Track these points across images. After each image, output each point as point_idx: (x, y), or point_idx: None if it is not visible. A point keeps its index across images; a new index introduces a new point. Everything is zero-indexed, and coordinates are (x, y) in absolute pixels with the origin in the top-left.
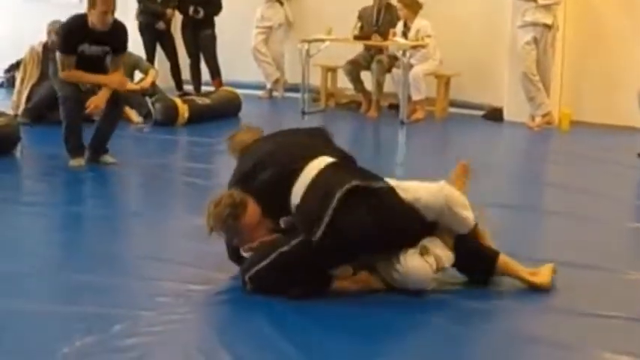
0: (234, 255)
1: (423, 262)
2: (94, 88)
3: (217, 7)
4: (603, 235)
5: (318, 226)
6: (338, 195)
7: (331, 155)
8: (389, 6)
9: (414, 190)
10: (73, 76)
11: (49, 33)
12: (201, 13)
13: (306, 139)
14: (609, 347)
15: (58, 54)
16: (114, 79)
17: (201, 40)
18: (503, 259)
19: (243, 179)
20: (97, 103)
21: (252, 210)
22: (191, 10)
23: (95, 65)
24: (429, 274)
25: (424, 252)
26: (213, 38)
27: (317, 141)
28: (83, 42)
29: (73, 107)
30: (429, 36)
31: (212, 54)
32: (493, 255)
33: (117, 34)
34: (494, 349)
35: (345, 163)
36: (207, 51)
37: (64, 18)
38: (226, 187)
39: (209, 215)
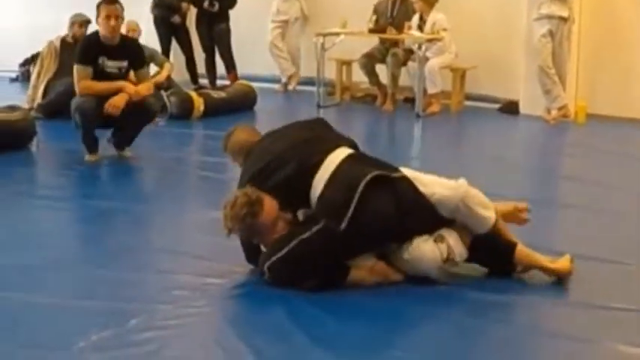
0: (253, 256)
1: (434, 248)
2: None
3: (232, 1)
4: (619, 228)
5: (344, 214)
6: (362, 185)
7: (346, 146)
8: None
9: (430, 184)
10: (89, 87)
11: (71, 25)
12: (217, 7)
13: (319, 132)
14: (624, 340)
15: (75, 67)
16: (129, 85)
17: (216, 34)
18: (522, 249)
19: (257, 177)
20: (115, 103)
21: (269, 206)
22: (206, 3)
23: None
24: (436, 261)
25: (438, 239)
26: (228, 32)
27: (328, 133)
28: (99, 55)
29: (88, 116)
30: (444, 29)
31: (227, 47)
32: (511, 246)
33: (130, 48)
34: (510, 341)
35: (362, 154)
36: (222, 44)
37: (80, 10)
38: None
39: (226, 217)
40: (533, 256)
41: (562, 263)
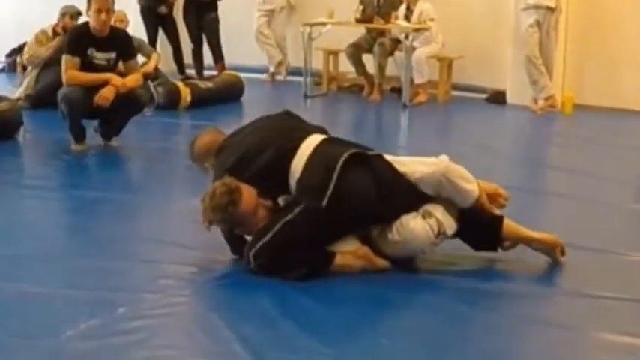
0: (237, 248)
1: (424, 224)
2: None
3: None
4: (606, 217)
5: (324, 193)
6: (340, 163)
7: (319, 133)
8: None
9: (410, 163)
10: (76, 77)
11: (62, 15)
12: (212, 15)
13: (290, 122)
14: (613, 329)
15: (63, 57)
16: (116, 77)
17: (206, 24)
18: (508, 222)
19: (234, 169)
20: (105, 95)
21: (248, 194)
22: None
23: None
24: (429, 237)
25: (426, 215)
26: (217, 21)
27: (299, 122)
28: (89, 46)
29: (74, 106)
30: (431, 19)
31: (216, 37)
32: (498, 219)
33: (119, 39)
34: (498, 329)
35: (336, 138)
36: (211, 34)
37: (68, 2)
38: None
39: (206, 209)
40: (519, 229)
41: (549, 235)
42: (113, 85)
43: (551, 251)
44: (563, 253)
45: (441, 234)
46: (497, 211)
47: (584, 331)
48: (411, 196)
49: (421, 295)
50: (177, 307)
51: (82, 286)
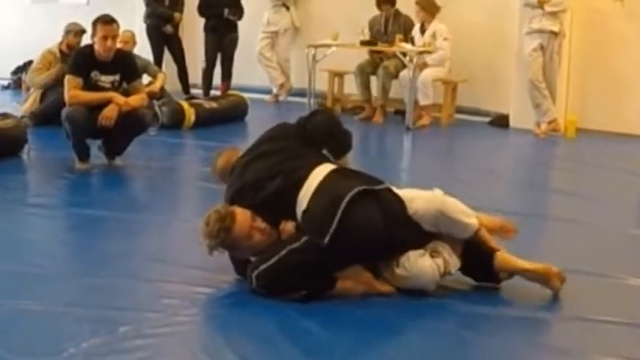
0: (242, 269)
1: (432, 263)
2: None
3: (242, 11)
4: (607, 242)
5: (327, 229)
6: (346, 200)
7: (328, 161)
8: (397, 14)
9: (407, 200)
10: (78, 97)
11: (66, 33)
12: (237, 15)
13: (297, 146)
14: (613, 353)
15: (66, 77)
16: (118, 95)
17: (228, 42)
18: (501, 255)
19: (241, 194)
20: (107, 114)
21: (241, 218)
22: (226, 12)
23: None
24: (435, 276)
25: (434, 254)
26: (236, 41)
27: (305, 145)
28: (92, 69)
29: (78, 126)
30: (445, 39)
31: (231, 56)
32: (490, 253)
33: (123, 61)
34: (500, 354)
35: (345, 169)
36: (229, 53)
37: (72, 19)
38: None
39: (204, 236)
40: (512, 261)
41: (543, 265)
42: (116, 103)
43: (548, 281)
44: (562, 280)
45: (446, 273)
46: (496, 244)
47: (584, 355)
48: (417, 230)
49: (423, 319)
50: (180, 327)
51: (84, 305)
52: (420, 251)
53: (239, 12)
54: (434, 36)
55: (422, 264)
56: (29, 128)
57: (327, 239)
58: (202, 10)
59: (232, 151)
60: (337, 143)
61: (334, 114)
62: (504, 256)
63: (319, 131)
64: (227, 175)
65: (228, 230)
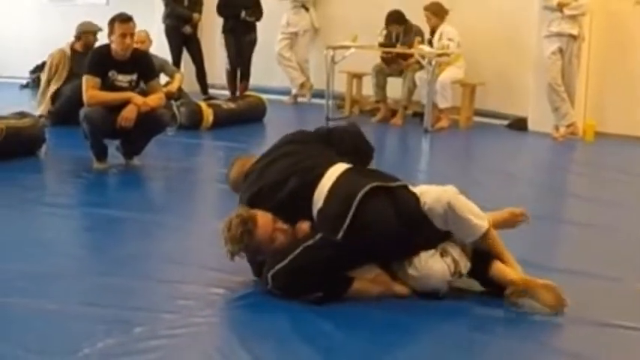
0: (260, 270)
1: (442, 264)
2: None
3: (261, 12)
4: (625, 246)
5: (340, 225)
6: (360, 195)
7: (345, 161)
8: (407, 29)
9: (420, 194)
10: (97, 97)
11: (84, 33)
12: (253, 16)
13: (315, 148)
14: (626, 358)
15: (84, 77)
16: (136, 95)
17: (246, 43)
18: (499, 265)
19: (258, 196)
20: (126, 115)
21: (263, 221)
22: (243, 13)
23: None
24: (445, 276)
25: (444, 253)
26: (255, 42)
27: (324, 148)
28: (110, 68)
29: (96, 126)
30: (450, 39)
31: (249, 58)
32: (490, 259)
33: (140, 60)
34: (514, 358)
35: (361, 167)
36: (246, 54)
37: (91, 19)
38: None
39: (226, 241)
40: (505, 272)
41: (535, 280)
42: (134, 104)
43: (537, 297)
44: (559, 302)
45: (456, 273)
46: (507, 255)
47: None
48: (431, 230)
49: (437, 321)
50: (195, 328)
51: (100, 305)
52: (431, 251)
53: (257, 13)
54: (440, 38)
55: (432, 264)
56: (47, 127)
57: (340, 235)
58: (221, 9)
59: (245, 159)
60: (361, 157)
61: (360, 129)
62: (500, 267)
63: (346, 145)
64: (240, 184)
65: (251, 233)
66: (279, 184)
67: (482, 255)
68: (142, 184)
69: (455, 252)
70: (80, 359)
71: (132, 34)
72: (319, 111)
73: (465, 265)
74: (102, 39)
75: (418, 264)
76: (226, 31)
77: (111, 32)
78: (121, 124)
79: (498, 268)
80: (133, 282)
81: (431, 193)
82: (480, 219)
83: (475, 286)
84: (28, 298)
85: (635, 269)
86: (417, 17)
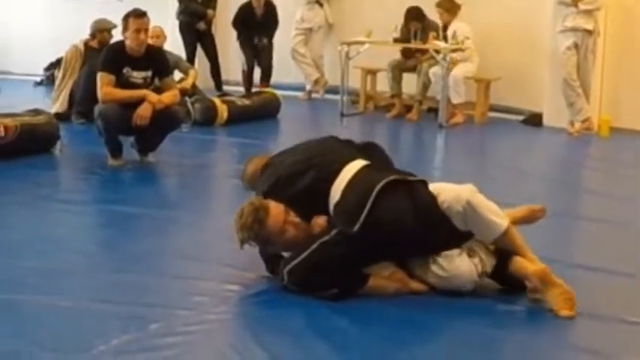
0: (272, 267)
1: (470, 264)
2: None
3: (274, 27)
4: (638, 241)
5: (357, 217)
6: (377, 189)
7: (364, 158)
8: (427, 25)
9: (438, 193)
10: (112, 94)
11: (99, 31)
12: (265, 41)
13: (337, 144)
14: None
15: (98, 74)
16: (151, 93)
17: (260, 48)
18: (519, 260)
19: (275, 188)
20: (142, 114)
21: (275, 211)
22: (256, 39)
23: None
24: (473, 276)
25: (471, 253)
26: (272, 46)
27: (344, 146)
28: (124, 65)
29: (111, 123)
30: (468, 38)
31: (269, 63)
32: (509, 255)
33: (154, 56)
34: (531, 354)
35: (379, 164)
36: (265, 62)
37: (104, 15)
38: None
39: (237, 229)
40: (525, 265)
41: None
42: (149, 102)
43: (546, 291)
44: (567, 301)
45: (483, 273)
46: (527, 251)
47: (614, 356)
48: (451, 228)
49: (453, 318)
50: (211, 325)
51: (114, 302)
52: (457, 250)
53: (269, 36)
54: (454, 35)
55: (460, 263)
56: (83, 124)
57: (357, 227)
58: (237, 25)
59: (261, 158)
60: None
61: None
62: (520, 262)
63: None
64: (257, 178)
65: (261, 222)
66: (296, 177)
67: (500, 252)
68: (156, 180)
69: (481, 251)
70: (95, 356)
71: (146, 30)
72: (334, 107)
73: (490, 264)
74: (117, 36)
75: (445, 263)
76: (241, 40)
77: (125, 28)
78: (136, 123)
79: (518, 263)
80: (147, 278)
81: (449, 192)
82: (499, 217)
83: (491, 282)
84: (42, 294)
85: None
86: (432, 13)
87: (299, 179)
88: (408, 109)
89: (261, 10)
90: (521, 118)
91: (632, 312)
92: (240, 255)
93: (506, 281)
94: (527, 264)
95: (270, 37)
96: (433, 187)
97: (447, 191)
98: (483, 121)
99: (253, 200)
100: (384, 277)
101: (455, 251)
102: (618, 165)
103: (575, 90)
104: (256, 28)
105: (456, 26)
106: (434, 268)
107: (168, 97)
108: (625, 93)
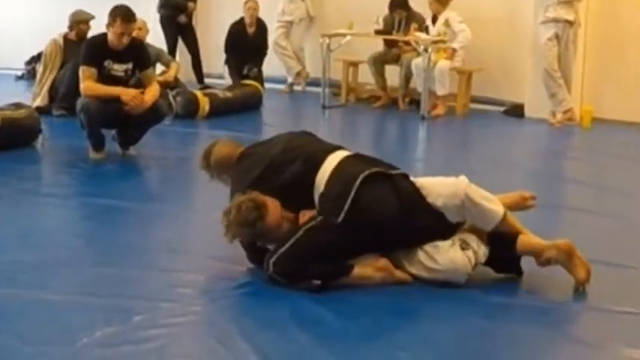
0: (255, 256)
1: (464, 257)
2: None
3: (264, 51)
4: (626, 232)
5: (341, 207)
6: (359, 179)
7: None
8: (410, 15)
9: (431, 187)
10: (93, 89)
11: (77, 23)
12: (255, 70)
13: (313, 137)
14: (636, 345)
15: (80, 67)
16: (129, 91)
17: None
18: (524, 237)
19: (259, 180)
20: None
21: (273, 208)
22: (246, 69)
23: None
24: (467, 269)
25: (464, 246)
26: (261, 74)
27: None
28: (105, 57)
29: (93, 117)
30: (461, 22)
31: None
32: (514, 236)
33: (136, 50)
34: (520, 344)
35: (361, 155)
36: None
37: (86, 8)
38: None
39: (231, 224)
40: (534, 241)
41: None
42: (123, 101)
43: (570, 262)
44: (587, 271)
45: (477, 264)
46: (521, 227)
47: (607, 347)
48: (437, 219)
49: (441, 308)
50: (195, 317)
51: (98, 294)
52: (449, 242)
53: (258, 66)
54: (446, 24)
55: (453, 256)
56: (62, 117)
57: (341, 217)
58: (227, 49)
59: (231, 142)
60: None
61: None
62: (526, 238)
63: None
64: (230, 166)
65: (263, 219)
66: (282, 167)
67: (499, 237)
68: (139, 173)
69: (473, 242)
70: (79, 349)
71: (130, 34)
72: (315, 99)
73: (483, 253)
74: (95, 27)
75: (438, 256)
76: (230, 64)
77: (110, 25)
78: (130, 108)
79: (526, 240)
80: (131, 271)
81: (443, 186)
82: (495, 204)
83: (481, 272)
84: (25, 288)
85: (636, 254)
86: (417, 3)
87: (288, 167)
88: (393, 100)
89: (253, 28)
90: (502, 109)
91: (621, 302)
92: (224, 247)
93: (505, 267)
94: (538, 239)
95: (260, 65)
96: (423, 181)
97: (440, 186)
98: (465, 113)
99: (252, 196)
100: (369, 264)
101: (446, 243)
102: (601, 155)
103: (556, 81)
104: (247, 52)
105: (448, 15)
106: (423, 259)
107: (151, 94)
108: (606, 83)
